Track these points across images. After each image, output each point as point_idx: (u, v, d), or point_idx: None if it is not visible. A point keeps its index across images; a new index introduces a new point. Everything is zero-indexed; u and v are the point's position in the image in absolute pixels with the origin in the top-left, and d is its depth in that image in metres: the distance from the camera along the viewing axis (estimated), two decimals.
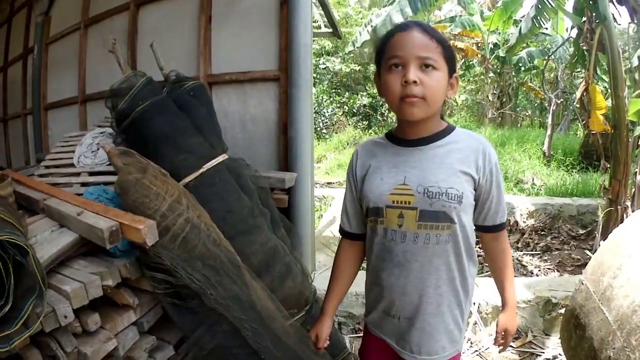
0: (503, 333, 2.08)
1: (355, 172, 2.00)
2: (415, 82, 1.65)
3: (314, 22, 4.63)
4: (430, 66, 1.67)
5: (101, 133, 3.99)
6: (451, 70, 1.77)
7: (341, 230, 2.18)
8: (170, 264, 2.39)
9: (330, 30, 8.19)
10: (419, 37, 1.69)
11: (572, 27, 8.43)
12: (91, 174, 3.63)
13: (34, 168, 4.82)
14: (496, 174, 1.82)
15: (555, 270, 6.44)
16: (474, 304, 4.11)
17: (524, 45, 14.14)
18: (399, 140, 1.90)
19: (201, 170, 2.97)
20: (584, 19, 6.73)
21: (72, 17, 6.40)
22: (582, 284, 2.92)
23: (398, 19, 10.33)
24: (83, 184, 3.50)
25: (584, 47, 6.82)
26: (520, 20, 14.75)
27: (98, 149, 3.78)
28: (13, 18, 8.63)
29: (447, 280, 1.84)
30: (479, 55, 17.57)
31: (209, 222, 2.68)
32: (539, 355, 3.94)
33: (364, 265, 2.16)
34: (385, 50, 1.77)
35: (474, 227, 1.93)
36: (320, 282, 3.96)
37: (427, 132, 1.83)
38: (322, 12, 7.66)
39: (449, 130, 1.86)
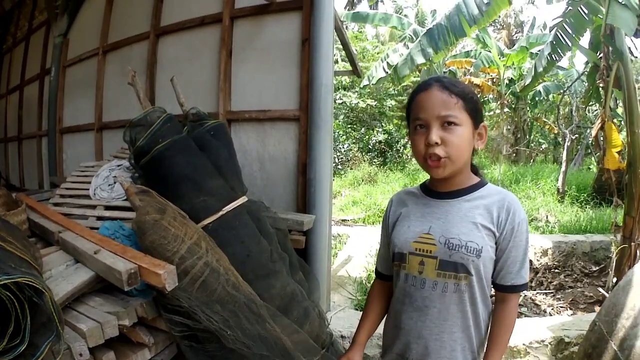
0: None
1: (388, 218, 2.09)
2: (437, 143, 1.71)
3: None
4: (452, 123, 1.72)
5: (118, 166, 3.97)
6: (476, 121, 1.80)
7: (375, 270, 2.27)
8: (189, 307, 2.36)
9: (350, 68, 8.19)
10: (439, 95, 1.74)
11: (588, 63, 8.41)
12: (107, 207, 3.61)
13: (47, 193, 4.82)
14: (517, 234, 1.80)
15: (569, 309, 6.36)
16: None
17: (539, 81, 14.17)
18: (430, 192, 1.96)
19: (221, 213, 2.95)
20: (600, 55, 6.70)
21: (91, 41, 6.45)
22: (596, 324, 2.93)
23: (420, 59, 10.40)
24: (99, 218, 3.48)
25: (600, 84, 6.79)
26: (536, 54, 14.84)
27: (115, 183, 3.75)
28: (31, 36, 8.71)
29: (462, 327, 1.86)
30: (495, 91, 17.54)
31: (228, 265, 2.65)
32: None
33: None
34: (411, 110, 1.85)
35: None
36: (335, 322, 3.93)
37: (456, 186, 1.88)
38: (340, 47, 7.69)
39: (479, 185, 1.89)
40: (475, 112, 1.79)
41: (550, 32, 9.55)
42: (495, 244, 1.81)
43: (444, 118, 1.72)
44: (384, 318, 2.18)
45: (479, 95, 17.89)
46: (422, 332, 1.88)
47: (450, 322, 1.84)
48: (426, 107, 1.75)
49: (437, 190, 1.93)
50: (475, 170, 1.96)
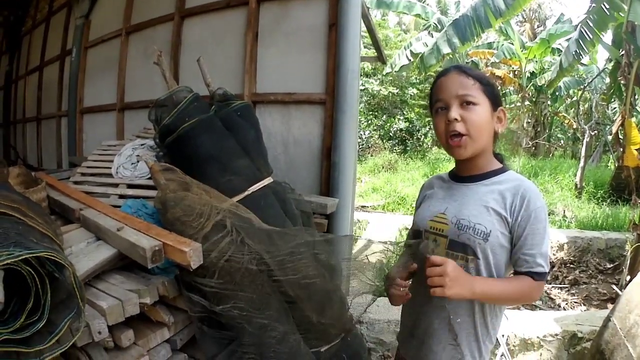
0: (440, 265, 1.72)
1: (418, 200, 2.22)
2: (456, 119, 1.79)
3: None
4: (471, 102, 1.80)
5: (141, 145, 3.96)
6: (495, 104, 1.87)
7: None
8: (210, 288, 2.35)
9: (375, 54, 8.15)
10: (457, 77, 1.84)
11: (609, 60, 8.35)
12: (130, 186, 3.60)
13: (67, 172, 4.81)
14: (534, 221, 1.78)
15: (582, 304, 6.41)
16: (502, 336, 4.08)
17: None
18: (455, 177, 2.04)
19: (246, 193, 2.95)
20: (622, 52, 6.64)
21: (113, 23, 6.46)
22: (610, 320, 2.89)
23: (446, 49, 10.46)
24: (121, 196, 3.47)
25: (622, 81, 6.74)
26: (558, 49, 14.71)
27: (138, 162, 3.74)
28: (52, 18, 8.73)
29: (467, 312, 1.89)
30: (516, 84, 17.46)
31: (261, 237, 2.62)
32: None
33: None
34: (432, 95, 1.94)
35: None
36: (353, 308, 3.91)
37: (478, 170, 1.94)
38: (364, 33, 7.64)
39: (499, 171, 1.93)
40: (493, 95, 1.86)
41: (576, 29, 9.52)
42: (510, 232, 1.82)
43: (463, 97, 1.80)
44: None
45: (499, 87, 17.89)
46: (428, 310, 1.96)
47: (454, 304, 1.87)
48: (445, 89, 1.85)
49: (460, 174, 2.01)
50: (500, 158, 2.01)
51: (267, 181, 3.09)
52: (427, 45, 12.32)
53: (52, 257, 1.70)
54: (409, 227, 2.29)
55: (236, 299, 2.39)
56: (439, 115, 1.86)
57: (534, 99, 18.32)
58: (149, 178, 3.27)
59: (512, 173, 1.93)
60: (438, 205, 1.98)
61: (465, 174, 1.97)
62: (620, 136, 6.53)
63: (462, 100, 1.79)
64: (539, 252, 1.78)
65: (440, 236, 1.91)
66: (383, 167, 16.39)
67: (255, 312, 2.42)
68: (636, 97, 7.91)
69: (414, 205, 2.36)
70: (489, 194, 1.85)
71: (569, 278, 7.36)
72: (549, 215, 9.46)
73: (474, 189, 1.91)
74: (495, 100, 1.86)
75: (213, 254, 2.35)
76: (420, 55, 11.88)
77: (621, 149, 6.54)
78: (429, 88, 2.02)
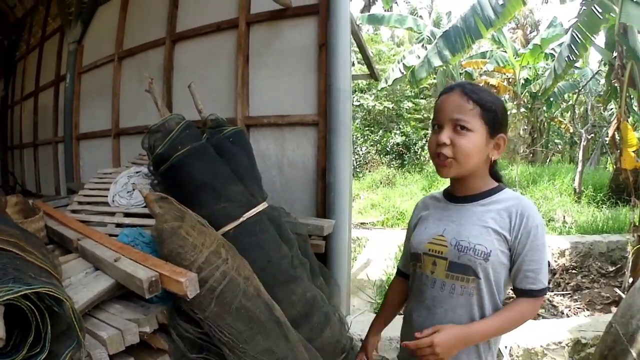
0: (429, 334, 1.77)
1: (412, 220, 2.21)
2: (445, 143, 1.80)
3: None
4: (465, 128, 1.78)
5: (137, 172, 3.97)
6: (493, 130, 1.84)
7: (397, 268, 2.40)
8: (202, 318, 2.37)
9: (367, 71, 8.19)
10: (457, 99, 1.82)
11: (604, 62, 8.38)
12: (126, 214, 3.61)
13: (65, 199, 4.84)
14: (534, 238, 1.80)
15: (585, 309, 6.37)
16: (505, 347, 4.07)
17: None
18: (450, 197, 2.03)
19: (241, 220, 2.95)
20: (615, 54, 6.67)
21: (105, 48, 6.50)
22: (612, 326, 2.91)
23: (437, 62, 10.50)
24: (118, 225, 3.49)
25: (615, 84, 6.76)
26: (551, 54, 14.74)
27: (133, 190, 3.75)
28: (45, 43, 8.79)
29: None
30: (511, 92, 17.47)
31: (249, 273, 2.63)
32: None
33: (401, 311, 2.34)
34: (434, 111, 1.94)
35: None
36: (355, 326, 3.94)
37: (473, 190, 1.94)
38: (356, 50, 7.69)
39: (496, 190, 1.93)
40: (493, 121, 1.83)
41: (566, 33, 9.55)
42: (510, 249, 1.84)
43: (456, 121, 1.79)
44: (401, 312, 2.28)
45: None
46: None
47: (456, 323, 1.85)
48: (443, 109, 1.85)
49: (455, 194, 2.00)
50: (497, 177, 2.00)
51: (261, 207, 3.09)
52: (420, 58, 12.35)
53: (50, 293, 1.71)
54: (403, 251, 2.32)
55: (234, 325, 2.40)
56: (434, 134, 1.87)
57: (529, 106, 18.36)
58: (145, 206, 3.28)
59: (508, 191, 1.94)
60: (435, 227, 1.97)
61: (460, 194, 1.97)
62: (617, 138, 6.55)
63: (456, 124, 1.79)
64: (540, 269, 1.82)
65: (440, 258, 1.90)
66: (381, 183, 16.42)
67: (253, 338, 2.44)
68: (632, 98, 7.91)
69: None
70: (486, 213, 1.86)
71: (571, 284, 7.30)
72: (549, 222, 9.52)
73: (471, 210, 1.91)
74: (495, 126, 1.84)
75: (209, 283, 2.37)
76: (411, 69, 11.92)
77: (618, 152, 6.56)
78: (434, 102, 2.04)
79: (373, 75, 7.90)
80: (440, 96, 1.90)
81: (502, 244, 1.82)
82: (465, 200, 1.94)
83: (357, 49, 7.67)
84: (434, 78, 17.79)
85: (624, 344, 2.68)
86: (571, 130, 18.21)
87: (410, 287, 2.13)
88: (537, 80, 16.79)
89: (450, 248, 1.87)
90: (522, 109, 18.19)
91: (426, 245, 1.96)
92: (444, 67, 13.12)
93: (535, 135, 19.32)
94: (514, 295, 1.90)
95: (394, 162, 19.71)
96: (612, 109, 16.85)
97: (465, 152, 1.78)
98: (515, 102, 17.84)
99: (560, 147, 22.77)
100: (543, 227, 1.84)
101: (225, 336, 2.36)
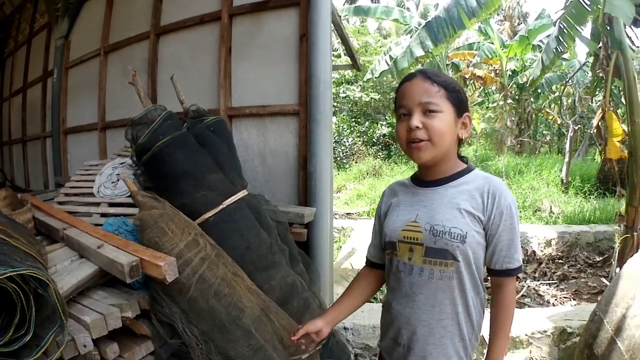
0: None
1: (381, 209, 2.17)
2: (417, 127, 1.79)
3: (334, 50, 4.61)
4: (433, 110, 1.79)
5: (121, 163, 4.00)
6: (460, 110, 1.87)
7: (366, 258, 2.31)
8: (170, 312, 2.44)
9: (351, 63, 8.20)
10: (421, 84, 1.82)
11: (589, 53, 8.42)
12: (111, 204, 3.64)
13: (53, 193, 4.86)
14: (507, 217, 1.83)
15: (572, 299, 6.42)
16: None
17: None
18: (419, 182, 2.02)
19: (221, 207, 3.00)
20: (600, 45, 6.72)
21: (92, 43, 6.49)
22: (596, 314, 2.95)
23: (419, 52, 10.47)
24: (103, 215, 3.52)
25: (600, 74, 6.81)
26: (538, 46, 14.79)
27: (118, 180, 3.79)
28: (33, 39, 8.77)
29: (451, 315, 1.88)
30: (498, 83, 17.54)
31: (226, 261, 2.69)
32: None
33: (381, 297, 2.23)
34: (396, 100, 1.93)
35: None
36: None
37: (443, 173, 1.93)
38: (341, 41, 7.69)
39: (465, 171, 1.94)
40: (457, 101, 1.85)
41: (554, 24, 9.59)
42: (484, 229, 1.85)
43: (425, 105, 1.79)
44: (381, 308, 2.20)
45: (482, 88, 17.89)
46: (411, 318, 1.93)
47: (437, 309, 1.88)
48: (409, 95, 1.84)
49: (424, 179, 1.99)
50: (464, 160, 2.00)
51: (241, 194, 3.13)
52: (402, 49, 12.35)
53: (34, 275, 1.78)
54: (372, 240, 2.26)
55: (211, 313, 2.48)
56: (402, 122, 1.86)
57: (516, 97, 18.37)
58: (129, 196, 3.33)
59: (477, 172, 1.95)
60: (407, 213, 1.95)
61: (430, 178, 1.96)
62: (602, 129, 6.60)
63: (425, 108, 1.79)
64: (515, 247, 1.85)
65: (416, 245, 1.88)
66: (368, 173, 16.47)
67: (230, 324, 2.49)
68: (619, 88, 7.95)
69: None
70: (458, 195, 1.86)
71: (558, 274, 7.36)
72: (535, 212, 9.54)
73: (442, 193, 1.90)
74: (460, 107, 1.86)
75: (187, 270, 2.42)
76: (394, 60, 11.92)
77: (603, 142, 6.61)
78: (395, 93, 1.98)
79: (355, 66, 7.86)
80: (402, 84, 1.91)
81: (476, 225, 1.82)
82: (435, 183, 1.94)
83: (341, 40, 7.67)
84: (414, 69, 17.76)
85: (609, 332, 2.69)
86: (559, 122, 18.27)
87: (387, 276, 2.11)
88: (525, 71, 16.83)
89: (425, 233, 1.85)
90: (510, 100, 18.20)
91: (400, 232, 1.93)
92: (431, 59, 13.08)
93: (523, 127, 19.29)
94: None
95: (381, 153, 19.85)
96: (599, 100, 16.88)
97: (439, 132, 1.79)
98: (502, 94, 17.86)
99: (548, 138, 22.77)
100: (515, 206, 1.87)
101: (186, 334, 2.44)
